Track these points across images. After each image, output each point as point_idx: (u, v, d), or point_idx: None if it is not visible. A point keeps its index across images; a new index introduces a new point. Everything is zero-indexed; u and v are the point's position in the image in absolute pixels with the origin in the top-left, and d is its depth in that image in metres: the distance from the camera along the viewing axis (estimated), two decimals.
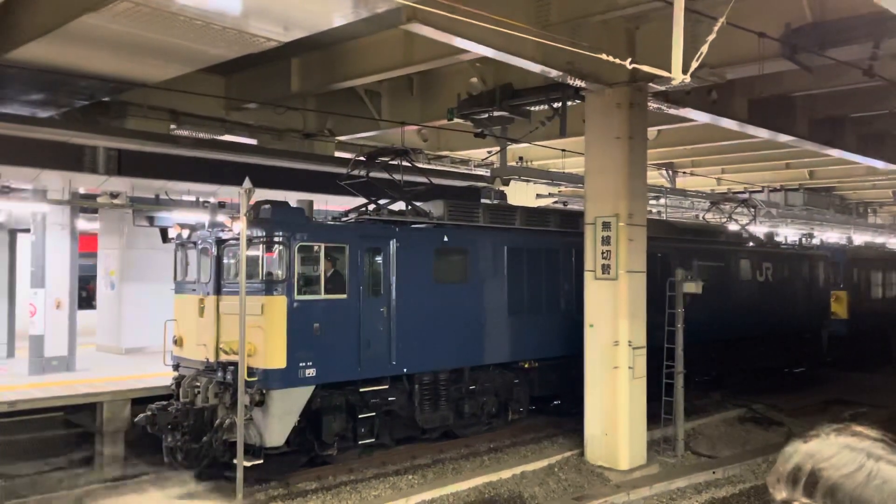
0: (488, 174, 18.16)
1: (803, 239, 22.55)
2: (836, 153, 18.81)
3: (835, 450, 1.24)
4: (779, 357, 19.42)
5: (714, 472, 12.06)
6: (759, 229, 22.68)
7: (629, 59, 5.20)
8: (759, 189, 27.11)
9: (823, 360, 21.21)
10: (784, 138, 16.80)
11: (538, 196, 21.11)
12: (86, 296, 23.24)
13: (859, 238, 31.28)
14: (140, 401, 11.74)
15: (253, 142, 17.24)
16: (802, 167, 25.13)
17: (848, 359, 21.93)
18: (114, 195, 14.89)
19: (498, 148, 16.33)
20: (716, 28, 5.09)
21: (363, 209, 12.46)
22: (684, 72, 4.88)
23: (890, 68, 12.41)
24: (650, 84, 11.76)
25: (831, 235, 29.95)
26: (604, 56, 5.62)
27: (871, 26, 10.20)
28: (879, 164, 20.59)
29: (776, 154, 21.88)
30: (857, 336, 22.60)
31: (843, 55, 10.81)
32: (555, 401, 15.16)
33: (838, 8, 10.55)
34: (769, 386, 18.29)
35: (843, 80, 13.09)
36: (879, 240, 32.88)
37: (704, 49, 4.94)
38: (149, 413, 10.72)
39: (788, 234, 25.77)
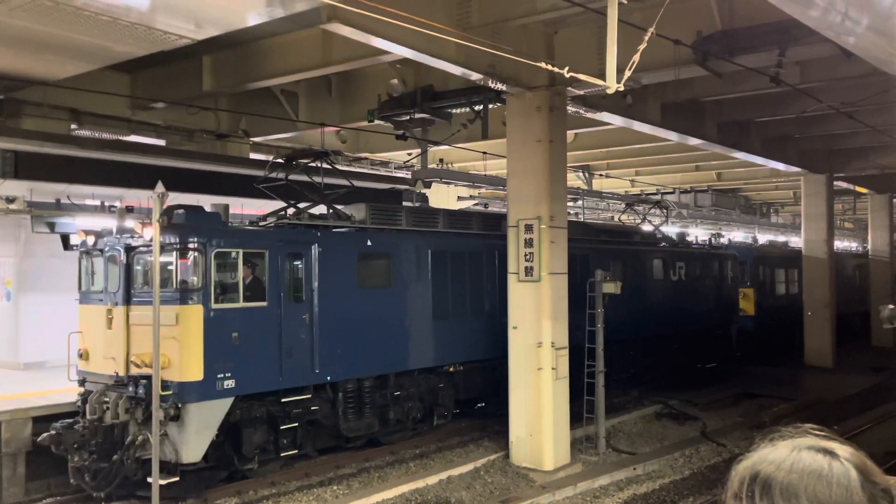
0: (409, 176, 18.02)
1: (712, 238, 23.45)
2: (741, 156, 19.67)
3: (768, 450, 1.32)
4: (692, 353, 20.09)
5: (634, 469, 12.33)
6: (671, 229, 23.45)
7: (567, 68, 5.17)
8: (671, 190, 28.05)
9: (733, 355, 22.09)
10: (694, 141, 17.43)
11: (459, 198, 21.13)
12: None
13: (763, 237, 32.84)
14: (42, 419, 11.03)
15: (161, 142, 16.50)
16: (711, 169, 26.18)
17: (756, 353, 22.93)
18: (9, 199, 13.93)
19: (419, 150, 16.22)
20: (646, 37, 5.13)
21: (282, 213, 12.11)
22: (618, 80, 4.90)
23: (793, 75, 13.01)
24: (569, 88, 11.92)
25: (737, 235, 31.30)
26: (543, 65, 5.57)
27: (777, 34, 10.64)
28: (781, 167, 21.67)
29: (686, 157, 22.70)
30: (764, 331, 23.68)
31: (751, 62, 11.25)
32: (479, 403, 15.16)
33: (746, 16, 10.95)
34: (683, 382, 18.89)
35: (750, 85, 13.65)
36: (781, 239, 34.61)
37: (636, 57, 4.97)
38: (53, 432, 10.09)
39: (698, 233, 26.75)
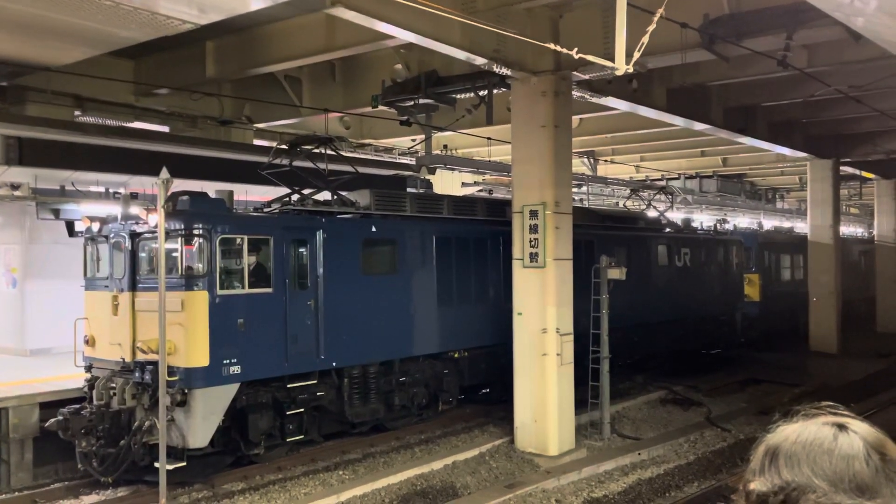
0: (413, 163, 17.98)
1: (717, 224, 23.37)
2: (747, 141, 19.53)
3: (785, 425, 1.36)
4: (697, 339, 20.08)
5: (639, 454, 12.34)
6: (676, 215, 23.37)
7: (575, 49, 5.12)
8: (676, 176, 27.93)
9: (738, 341, 22.07)
10: (699, 126, 17.30)
11: (464, 184, 21.07)
12: None
13: (768, 223, 32.71)
14: (49, 405, 11.08)
15: (165, 129, 16.48)
16: (716, 155, 26.02)
17: (761, 339, 22.90)
18: (14, 186, 13.95)
19: (423, 136, 16.16)
20: (655, 18, 5.08)
21: (287, 199, 12.09)
22: (626, 63, 4.86)
23: (801, 58, 12.90)
24: (574, 73, 11.84)
25: (743, 221, 31.17)
26: (551, 46, 5.54)
27: (785, 17, 10.54)
28: (787, 152, 21.53)
29: (692, 142, 22.56)
30: (769, 317, 23.63)
31: (758, 45, 11.14)
32: (484, 389, 15.20)
33: None
34: (688, 367, 18.89)
35: (757, 69, 13.53)
36: (787, 224, 34.48)
37: (646, 39, 4.92)
38: (60, 417, 10.14)
39: (703, 219, 26.65)
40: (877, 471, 1.24)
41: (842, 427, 1.29)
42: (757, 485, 1.30)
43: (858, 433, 1.29)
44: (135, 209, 11.26)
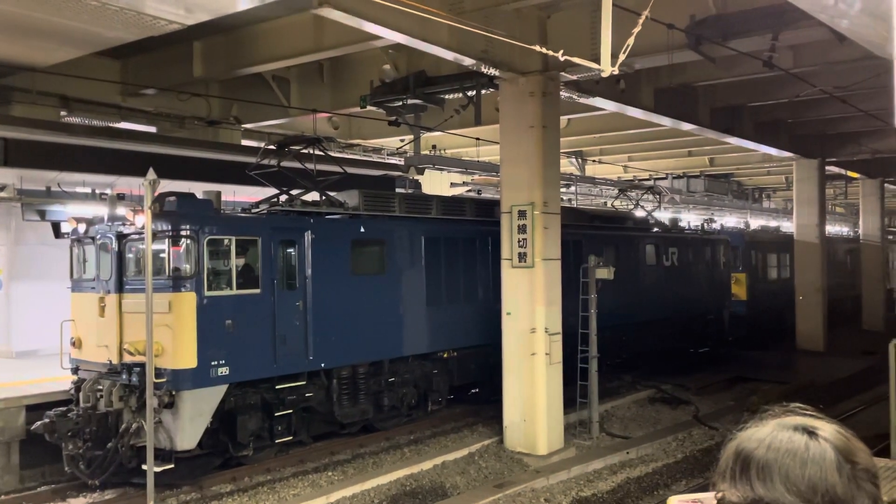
0: (402, 163, 17.97)
1: (705, 224, 23.50)
2: (734, 141, 19.67)
3: (755, 429, 1.34)
4: (685, 338, 20.18)
5: (628, 453, 12.40)
6: (664, 215, 23.48)
7: (561, 51, 5.14)
8: (664, 176, 28.07)
9: (725, 339, 22.20)
10: (687, 126, 17.40)
11: (453, 185, 21.09)
12: None
13: (755, 222, 32.94)
14: (36, 407, 11.00)
15: (152, 129, 16.40)
16: (703, 154, 26.18)
17: (748, 338, 23.05)
18: None
19: (411, 136, 16.16)
20: (641, 20, 5.11)
21: (275, 200, 12.06)
22: (612, 64, 4.88)
23: (786, 59, 13.00)
24: (562, 73, 11.88)
25: (730, 220, 31.38)
26: (536, 48, 5.55)
27: (771, 19, 10.62)
28: (773, 152, 21.69)
29: (679, 142, 22.68)
30: (756, 316, 23.79)
31: (744, 46, 11.23)
32: (473, 389, 15.21)
33: (739, 0, 10.93)
34: (676, 366, 18.98)
35: (743, 70, 13.63)
36: (773, 224, 34.72)
37: (631, 41, 4.95)
38: (47, 420, 10.07)
39: (691, 219, 26.79)
40: (849, 480, 1.24)
41: (812, 434, 1.28)
42: (729, 495, 1.29)
43: (829, 440, 1.27)
44: (121, 210, 11.20)
